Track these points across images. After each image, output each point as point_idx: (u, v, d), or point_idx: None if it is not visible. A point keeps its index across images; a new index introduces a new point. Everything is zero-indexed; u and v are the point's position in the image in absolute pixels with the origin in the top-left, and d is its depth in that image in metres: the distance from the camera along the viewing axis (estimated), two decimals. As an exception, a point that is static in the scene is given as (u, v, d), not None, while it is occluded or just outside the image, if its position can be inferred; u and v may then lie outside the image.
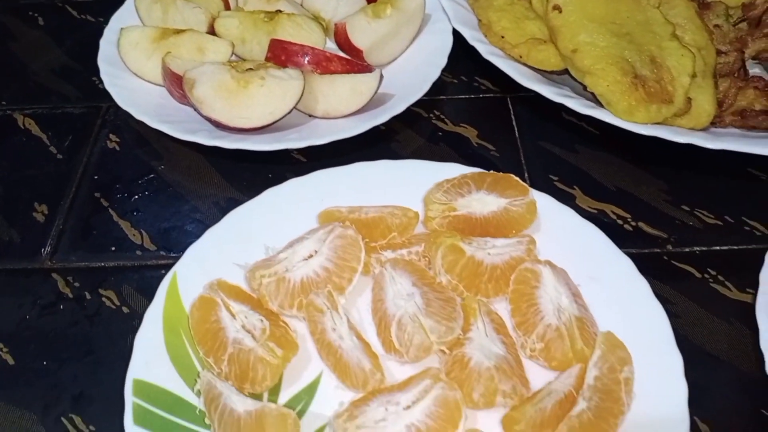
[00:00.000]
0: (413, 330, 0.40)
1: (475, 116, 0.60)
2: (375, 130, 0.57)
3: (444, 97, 0.62)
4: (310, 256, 0.44)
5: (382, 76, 0.57)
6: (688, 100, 0.54)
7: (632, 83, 0.52)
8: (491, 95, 0.62)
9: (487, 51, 0.58)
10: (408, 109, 0.59)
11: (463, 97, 0.62)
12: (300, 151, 0.57)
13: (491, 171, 0.49)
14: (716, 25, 0.60)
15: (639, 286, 0.44)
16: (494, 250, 0.44)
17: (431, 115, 0.60)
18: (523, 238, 0.46)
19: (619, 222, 0.52)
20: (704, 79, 0.55)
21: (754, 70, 0.61)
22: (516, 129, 0.59)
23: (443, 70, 0.61)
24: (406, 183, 0.50)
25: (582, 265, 0.46)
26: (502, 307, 0.44)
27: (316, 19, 0.62)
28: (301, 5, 0.66)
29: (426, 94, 0.60)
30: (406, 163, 0.52)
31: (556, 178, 0.55)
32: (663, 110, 0.52)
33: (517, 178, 0.48)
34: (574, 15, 0.54)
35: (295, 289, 0.43)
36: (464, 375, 0.39)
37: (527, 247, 0.45)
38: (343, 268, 0.44)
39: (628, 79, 0.52)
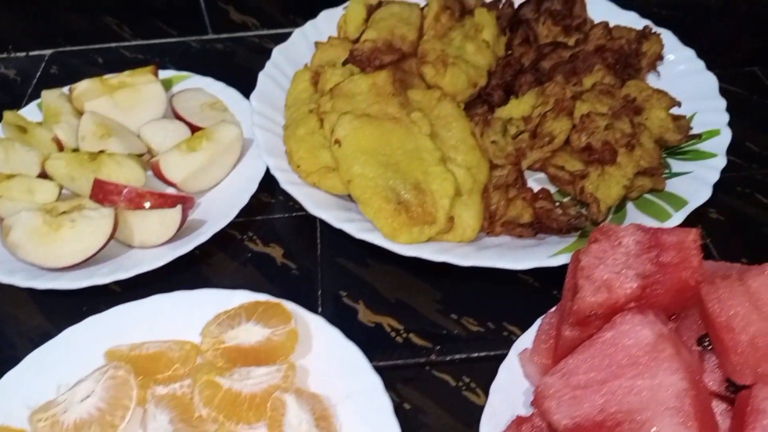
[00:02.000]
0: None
1: (285, 235, 0.67)
2: (191, 255, 0.63)
3: (260, 217, 0.68)
4: (88, 397, 0.50)
5: (187, 208, 0.64)
6: (451, 219, 0.60)
7: (395, 209, 0.58)
8: (302, 213, 0.68)
9: (285, 179, 0.64)
10: (224, 231, 0.65)
11: (277, 216, 0.69)
12: (116, 281, 0.63)
13: (266, 299, 0.55)
14: (493, 141, 0.68)
15: (383, 404, 0.50)
16: (252, 381, 0.50)
17: (244, 237, 0.67)
18: (282, 365, 0.51)
19: (393, 334, 0.58)
20: (471, 196, 0.62)
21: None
22: (319, 246, 0.65)
23: (263, 191, 0.67)
24: (196, 314, 0.56)
25: (340, 384, 0.51)
26: None
27: (136, 156, 0.68)
28: (138, 136, 0.73)
29: (243, 216, 0.67)
30: (198, 293, 0.58)
31: (344, 294, 0.61)
32: (426, 231, 0.59)
33: (286, 306, 0.54)
34: (350, 148, 0.61)
35: (68, 430, 0.48)
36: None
37: (284, 374, 0.51)
38: (115, 407, 0.49)
39: (391, 206, 0.58)
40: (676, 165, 0.67)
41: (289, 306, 0.55)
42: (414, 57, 0.73)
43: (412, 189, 0.60)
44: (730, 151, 0.72)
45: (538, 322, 0.51)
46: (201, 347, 0.53)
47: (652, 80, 0.76)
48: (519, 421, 0.43)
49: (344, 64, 0.69)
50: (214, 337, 0.53)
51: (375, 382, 0.51)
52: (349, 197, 0.63)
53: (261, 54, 0.80)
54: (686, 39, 0.79)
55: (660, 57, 0.76)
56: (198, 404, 0.49)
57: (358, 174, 0.60)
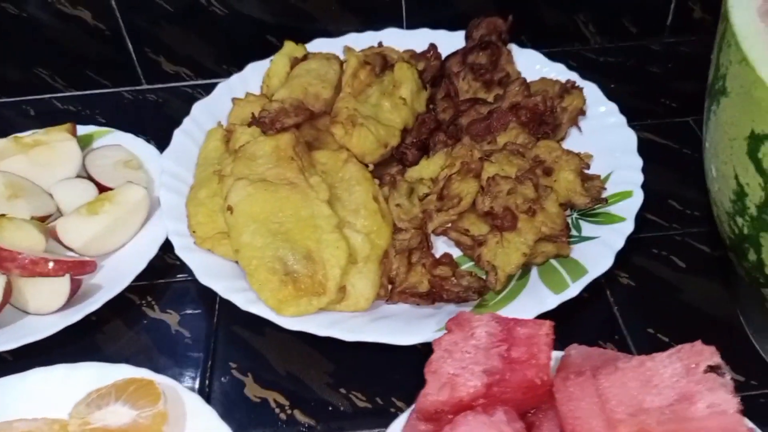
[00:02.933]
0: None
1: (184, 301, 0.65)
2: (87, 322, 0.62)
3: (162, 281, 0.67)
4: (-57, 483, 0.49)
5: (84, 273, 0.63)
6: (343, 288, 0.59)
7: (282, 281, 0.57)
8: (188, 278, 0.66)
9: (180, 245, 0.63)
10: (123, 296, 0.64)
11: (180, 279, 0.67)
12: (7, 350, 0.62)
13: (140, 377, 0.54)
14: (397, 204, 0.66)
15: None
16: (112, 467, 0.49)
17: (143, 302, 0.65)
18: (145, 449, 0.50)
19: (277, 410, 0.56)
20: (366, 264, 0.61)
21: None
22: (216, 313, 0.64)
23: (170, 252, 0.66)
24: (73, 389, 0.54)
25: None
26: None
27: (36, 221, 0.68)
28: (49, 194, 0.72)
29: (145, 279, 0.66)
30: (79, 367, 0.56)
31: (234, 365, 0.60)
32: (314, 302, 0.58)
33: (157, 386, 0.53)
34: (242, 216, 0.60)
35: None
36: None
37: (147, 461, 0.49)
38: (-29, 494, 0.48)
39: (277, 278, 0.57)
40: (586, 228, 0.65)
41: (167, 383, 0.54)
42: (329, 115, 0.72)
43: (302, 259, 0.58)
44: (652, 209, 0.71)
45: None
46: (68, 428, 0.52)
47: (573, 135, 0.75)
48: None
49: (249, 125, 0.68)
50: (81, 418, 0.51)
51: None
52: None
53: (192, 104, 0.79)
54: (623, 87, 0.78)
55: (582, 111, 0.75)
56: (52, 493, 0.48)
57: (246, 244, 0.59)
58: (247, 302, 0.58)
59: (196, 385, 0.58)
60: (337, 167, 0.67)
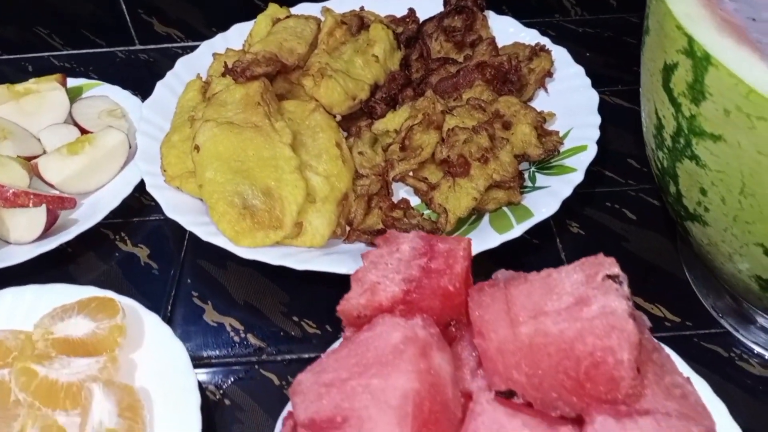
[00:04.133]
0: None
1: (155, 237, 0.69)
2: (62, 253, 0.67)
3: (136, 219, 0.71)
4: None
5: (61, 208, 0.67)
6: (299, 224, 0.62)
7: (240, 214, 0.60)
8: (161, 217, 0.70)
9: (151, 183, 0.67)
10: (98, 232, 0.68)
11: (153, 218, 0.71)
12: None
13: (102, 295, 0.58)
14: (360, 152, 0.69)
15: (192, 400, 0.51)
16: (70, 370, 0.52)
17: (116, 237, 0.69)
18: (102, 358, 0.53)
19: (232, 334, 0.60)
20: (324, 204, 0.64)
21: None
22: (184, 249, 0.68)
23: (145, 194, 0.70)
24: (41, 307, 0.58)
25: (161, 379, 0.53)
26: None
27: (22, 159, 0.72)
28: (38, 138, 0.76)
29: (120, 217, 0.70)
30: (49, 288, 0.60)
31: (196, 294, 0.63)
32: (271, 235, 0.61)
33: (117, 302, 0.56)
34: (207, 154, 0.63)
35: None
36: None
37: (102, 366, 0.53)
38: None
39: (235, 211, 0.60)
40: (540, 179, 0.68)
41: (128, 302, 0.58)
42: (302, 69, 0.75)
43: (261, 195, 0.62)
44: (610, 167, 0.73)
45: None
46: (32, 337, 0.55)
47: (541, 96, 0.77)
48: (288, 416, 0.45)
49: (222, 74, 0.72)
50: (45, 328, 0.55)
51: (191, 379, 0.53)
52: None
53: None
54: (598, 56, 0.80)
55: (549, 73, 0.77)
56: (15, 389, 0.51)
57: (209, 179, 0.62)
58: (207, 234, 0.61)
59: (160, 312, 0.62)
60: (304, 116, 0.70)
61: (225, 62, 0.71)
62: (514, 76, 0.74)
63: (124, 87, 0.85)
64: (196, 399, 0.51)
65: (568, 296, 0.40)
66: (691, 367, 0.50)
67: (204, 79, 0.78)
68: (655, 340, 0.43)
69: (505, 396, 0.42)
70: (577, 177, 0.65)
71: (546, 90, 0.78)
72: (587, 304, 0.39)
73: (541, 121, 0.69)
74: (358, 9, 0.87)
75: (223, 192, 0.61)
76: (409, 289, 0.44)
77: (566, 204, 0.66)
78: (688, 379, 0.41)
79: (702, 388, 0.49)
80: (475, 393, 0.39)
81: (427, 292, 0.44)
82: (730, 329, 0.57)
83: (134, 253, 0.68)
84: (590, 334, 0.38)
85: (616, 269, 0.41)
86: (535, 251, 0.65)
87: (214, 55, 0.80)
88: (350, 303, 0.44)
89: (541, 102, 0.77)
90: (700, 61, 0.41)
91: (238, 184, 0.62)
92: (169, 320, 0.61)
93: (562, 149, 0.69)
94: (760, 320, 0.55)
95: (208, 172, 0.63)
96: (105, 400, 0.50)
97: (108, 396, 0.50)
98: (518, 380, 0.41)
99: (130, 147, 0.74)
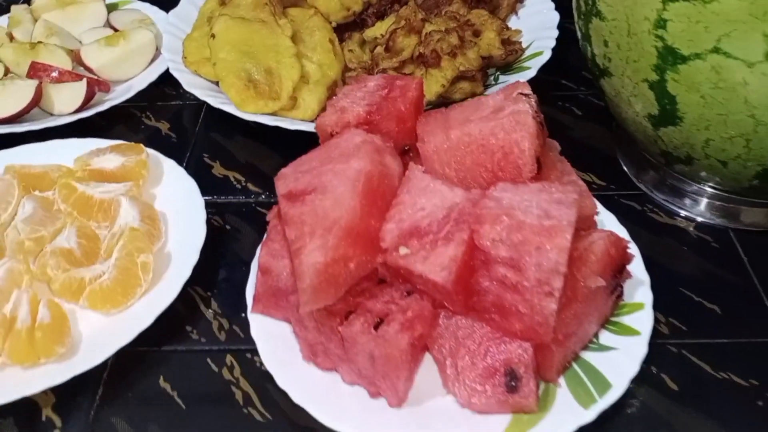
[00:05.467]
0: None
1: (175, 116, 0.82)
2: (97, 123, 0.80)
3: (160, 103, 0.84)
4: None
5: (97, 87, 0.80)
6: (294, 98, 0.74)
7: (245, 85, 0.73)
8: (193, 102, 0.83)
9: (173, 66, 0.79)
10: (127, 110, 0.82)
11: (174, 103, 0.84)
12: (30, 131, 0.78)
13: (135, 143, 0.70)
14: (350, 50, 0.82)
15: (199, 219, 0.64)
16: (104, 189, 0.65)
17: (143, 115, 0.82)
18: (129, 183, 0.66)
19: (234, 182, 0.72)
20: (316, 86, 0.76)
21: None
22: (199, 124, 0.80)
23: (168, 86, 0.83)
24: (82, 152, 0.71)
25: (175, 204, 0.66)
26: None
27: (67, 48, 0.85)
28: (79, 41, 0.90)
29: (146, 101, 0.83)
30: (87, 141, 0.73)
31: (206, 155, 0.76)
32: (270, 104, 0.73)
33: (143, 147, 0.69)
34: (220, 40, 0.76)
35: (-40, 212, 0.64)
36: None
37: (129, 188, 0.65)
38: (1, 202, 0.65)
39: (242, 82, 0.73)
40: (501, 78, 0.80)
41: (151, 152, 0.70)
42: (308, -14, 0.88)
43: (263, 72, 0.74)
44: (565, 76, 0.85)
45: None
46: (72, 168, 0.68)
47: (513, 20, 0.89)
48: (272, 210, 0.57)
49: (237, -16, 0.85)
50: (83, 162, 0.68)
51: (199, 203, 0.65)
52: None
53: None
54: None
55: (520, 0, 0.89)
56: (57, 200, 0.64)
57: (221, 58, 0.75)
58: (218, 103, 0.74)
59: (176, 166, 0.75)
60: (305, 19, 0.82)
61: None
62: (487, -4, 0.86)
63: (161, 7, 0.98)
64: (202, 216, 0.64)
65: (489, 108, 0.52)
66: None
67: (222, -7, 0.91)
68: (562, 157, 0.55)
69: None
70: (530, 74, 0.76)
71: (517, 15, 0.89)
72: (502, 110, 0.51)
73: (504, 27, 0.81)
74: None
75: (232, 68, 0.74)
76: (371, 110, 0.56)
77: (522, 99, 0.78)
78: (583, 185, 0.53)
79: (609, 218, 0.61)
80: (409, 167, 0.51)
81: (385, 113, 0.56)
82: (645, 190, 0.68)
83: (157, 126, 0.81)
84: (501, 130, 0.50)
85: (527, 90, 0.53)
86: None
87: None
88: (324, 120, 0.56)
89: (513, 23, 0.89)
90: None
91: (245, 63, 0.74)
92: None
93: (523, 56, 0.81)
94: (670, 181, 0.67)
95: (221, 53, 0.75)
96: (130, 209, 0.63)
97: (133, 206, 0.63)
98: (450, 175, 0.53)
99: (156, 49, 0.87)
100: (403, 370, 0.47)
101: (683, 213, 0.65)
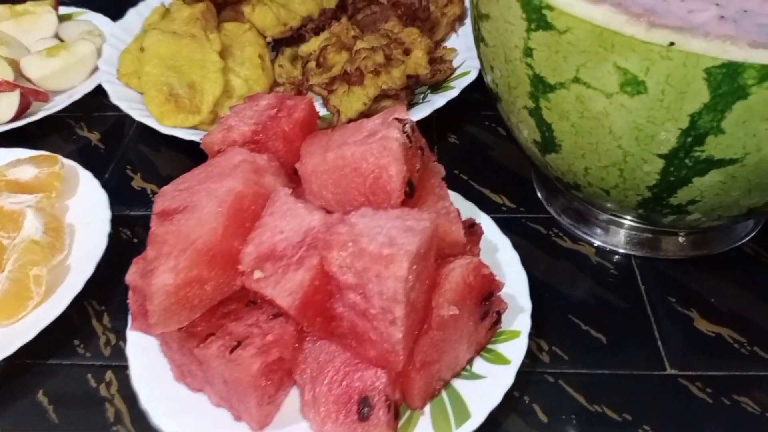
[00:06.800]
0: None
1: (108, 126, 0.83)
2: (30, 133, 0.81)
3: (96, 114, 0.85)
4: None
5: (33, 97, 0.82)
6: (214, 113, 0.75)
7: (167, 98, 0.74)
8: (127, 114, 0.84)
9: (105, 78, 0.81)
10: (62, 119, 0.83)
11: (109, 114, 0.85)
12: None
13: (52, 154, 0.71)
14: (280, 65, 0.82)
15: (103, 229, 0.65)
16: (14, 200, 0.66)
17: (77, 125, 0.84)
18: (39, 195, 0.67)
19: (151, 196, 0.73)
20: (239, 100, 0.77)
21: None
22: (129, 135, 0.82)
23: (105, 95, 0.84)
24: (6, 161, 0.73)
25: (84, 216, 0.67)
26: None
27: (9, 58, 0.87)
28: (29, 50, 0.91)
29: (81, 111, 0.84)
30: (12, 151, 0.75)
31: (129, 168, 0.77)
32: (190, 119, 0.74)
33: (59, 158, 0.70)
34: (149, 53, 0.77)
35: None
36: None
37: (39, 200, 0.66)
38: None
39: (163, 96, 0.74)
40: (429, 97, 0.79)
41: (70, 163, 0.72)
42: (250, 2, 0.89)
43: (186, 86, 0.75)
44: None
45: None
46: (-12, 179, 0.70)
47: (453, 38, 0.89)
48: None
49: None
50: (0, 172, 0.69)
51: (106, 216, 0.66)
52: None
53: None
54: None
55: (460, 18, 0.89)
56: (-34, 211, 0.66)
57: (146, 72, 0.76)
58: (140, 116, 0.75)
59: (100, 179, 0.76)
60: (239, 34, 0.83)
61: (174, -12, 0.85)
62: (422, 14, 0.86)
63: (114, 18, 0.99)
64: (105, 230, 0.65)
65: (365, 132, 0.52)
66: (516, 238, 0.62)
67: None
68: (443, 182, 0.55)
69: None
70: (453, 93, 0.76)
71: (457, 33, 0.89)
72: (375, 134, 0.51)
73: (432, 48, 0.81)
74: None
75: (155, 81, 0.75)
76: (257, 129, 0.56)
77: (448, 119, 0.78)
78: (456, 210, 0.53)
79: (503, 242, 0.60)
80: (275, 189, 0.51)
81: (270, 133, 0.56)
82: (554, 214, 0.67)
83: (89, 137, 0.82)
84: (371, 155, 0.50)
85: (403, 114, 0.53)
86: (416, 153, 0.77)
87: (181, -13, 0.94)
88: (210, 138, 0.57)
89: (451, 42, 0.89)
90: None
91: (168, 76, 0.75)
92: (104, 184, 0.75)
93: (453, 76, 0.81)
94: (576, 205, 0.66)
95: (147, 66, 0.77)
96: (35, 220, 0.64)
97: (37, 218, 0.64)
98: (327, 198, 0.53)
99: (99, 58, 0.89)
100: (255, 395, 0.47)
101: (587, 238, 0.65)
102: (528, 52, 0.48)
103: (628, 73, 0.43)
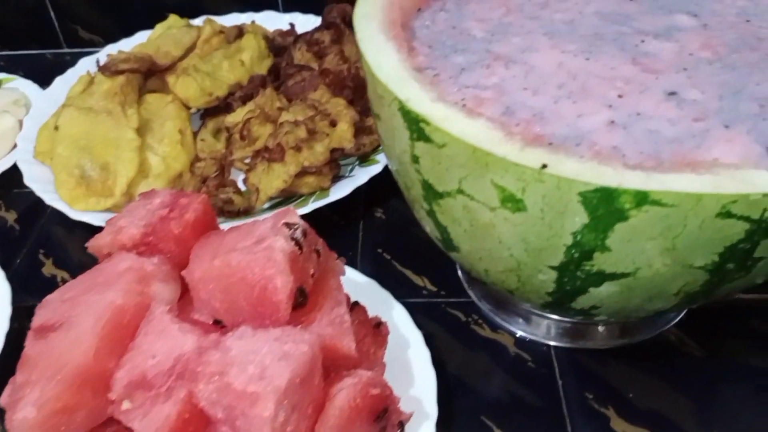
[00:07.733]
0: None
1: (27, 206, 0.80)
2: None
3: (16, 190, 0.82)
4: None
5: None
6: (128, 194, 0.73)
7: (78, 182, 0.72)
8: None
9: (22, 157, 0.78)
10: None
11: (29, 190, 0.82)
12: None
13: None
14: (202, 139, 0.80)
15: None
16: None
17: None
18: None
19: (61, 284, 0.70)
20: (157, 180, 0.74)
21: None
22: (46, 216, 0.79)
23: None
24: None
25: None
26: None
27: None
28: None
29: (1, 188, 0.82)
30: None
31: (42, 252, 0.74)
32: (102, 202, 0.72)
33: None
34: (62, 133, 0.75)
35: None
36: None
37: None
38: None
39: (74, 180, 0.72)
40: (355, 171, 0.77)
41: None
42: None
43: (98, 168, 0.73)
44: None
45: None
46: None
47: (385, 103, 0.88)
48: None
49: (99, 70, 0.84)
50: None
51: (5, 313, 0.63)
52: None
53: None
54: None
55: (392, 83, 0.87)
56: None
57: (57, 153, 0.74)
58: (52, 200, 0.72)
59: (12, 264, 0.73)
60: (161, 107, 0.81)
61: (97, 59, 0.83)
62: (350, 83, 0.84)
63: (48, 84, 0.97)
64: (4, 328, 0.62)
65: (254, 237, 0.50)
66: (433, 326, 0.60)
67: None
68: (341, 285, 0.52)
69: (216, 323, 0.51)
70: (376, 169, 0.74)
71: (389, 97, 0.88)
72: (262, 242, 0.49)
73: (357, 119, 0.79)
74: (249, 22, 0.99)
75: (66, 164, 0.73)
76: (147, 231, 0.53)
77: (375, 194, 0.76)
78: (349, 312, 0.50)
79: (415, 338, 0.58)
80: (152, 305, 0.49)
81: (161, 235, 0.53)
82: (475, 299, 0.65)
83: (5, 216, 0.79)
84: (256, 265, 0.48)
85: (294, 218, 0.50)
86: (340, 230, 0.75)
87: (108, 55, 0.92)
88: (98, 241, 0.54)
89: (384, 107, 0.87)
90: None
91: (80, 158, 0.73)
92: (15, 271, 0.72)
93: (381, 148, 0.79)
94: (495, 291, 0.64)
95: (59, 148, 0.74)
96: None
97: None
98: (216, 307, 0.51)
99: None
100: None
101: (507, 327, 0.62)
102: (415, 159, 0.46)
103: (506, 190, 0.41)
